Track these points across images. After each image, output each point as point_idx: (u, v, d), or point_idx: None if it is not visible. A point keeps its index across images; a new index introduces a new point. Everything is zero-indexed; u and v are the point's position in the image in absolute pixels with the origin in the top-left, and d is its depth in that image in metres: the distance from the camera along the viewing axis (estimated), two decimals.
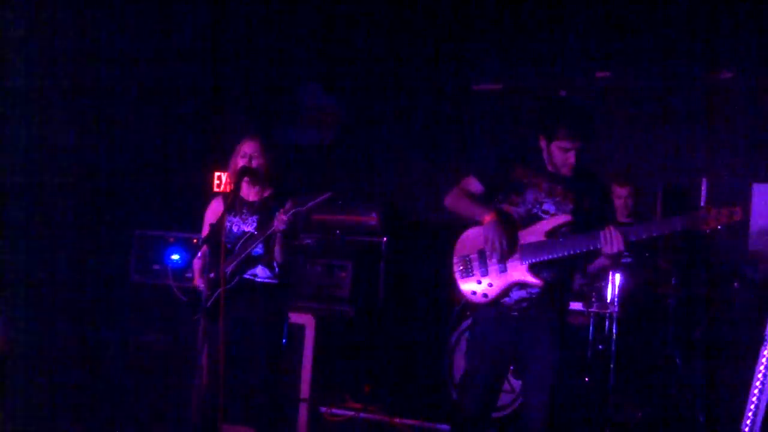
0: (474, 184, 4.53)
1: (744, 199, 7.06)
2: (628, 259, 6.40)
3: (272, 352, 5.21)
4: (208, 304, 4.97)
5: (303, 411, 6.28)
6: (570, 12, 7.42)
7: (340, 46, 8.22)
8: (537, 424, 4.32)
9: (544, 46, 7.67)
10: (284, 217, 4.83)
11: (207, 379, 5.07)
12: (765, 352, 5.05)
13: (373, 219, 7.13)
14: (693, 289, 6.66)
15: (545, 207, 4.37)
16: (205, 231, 5.34)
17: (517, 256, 4.34)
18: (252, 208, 5.25)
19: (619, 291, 6.15)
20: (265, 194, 5.29)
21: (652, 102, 7.51)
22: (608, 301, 6.16)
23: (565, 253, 4.24)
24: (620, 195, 6.57)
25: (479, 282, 4.41)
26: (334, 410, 6.47)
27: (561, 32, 7.52)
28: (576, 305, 6.35)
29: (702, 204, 6.97)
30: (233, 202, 5.14)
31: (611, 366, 6.12)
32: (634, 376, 6.26)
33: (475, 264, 4.44)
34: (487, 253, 4.38)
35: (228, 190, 5.45)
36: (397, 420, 6.32)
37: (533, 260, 4.30)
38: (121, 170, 7.42)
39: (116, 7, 7.15)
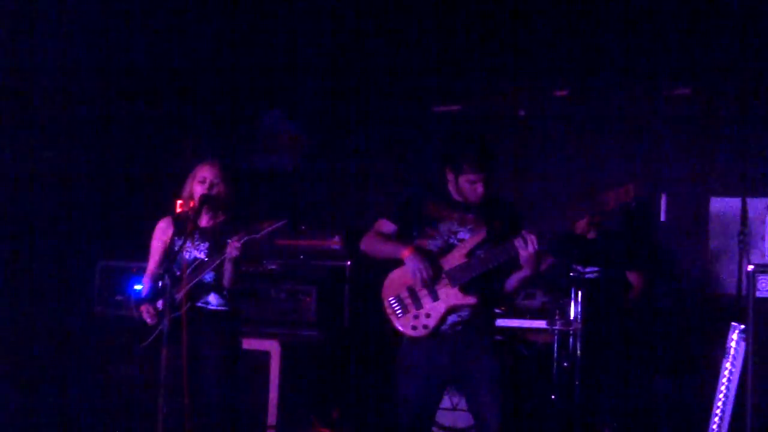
0: (386, 225, 4.67)
1: (702, 213, 7.16)
2: (593, 275, 6.45)
3: (225, 379, 5.16)
4: (157, 331, 4.92)
5: None
6: (528, 31, 7.48)
7: (302, 72, 8.23)
8: None
9: (503, 65, 7.73)
10: (237, 244, 4.86)
11: (167, 406, 5.02)
12: (727, 365, 5.10)
13: (336, 243, 7.12)
14: (656, 303, 6.72)
15: (460, 236, 4.52)
16: (153, 251, 5.30)
17: (445, 281, 4.46)
18: (204, 233, 5.22)
19: (582, 308, 6.19)
20: (219, 219, 5.28)
21: (610, 120, 7.58)
22: (572, 318, 6.20)
23: (488, 267, 4.39)
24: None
25: (416, 317, 4.48)
26: None
27: (519, 52, 7.58)
28: (539, 323, 6.40)
29: (662, 219, 7.07)
30: (191, 230, 5.09)
31: (576, 383, 6.15)
32: (599, 393, 6.29)
33: (407, 301, 4.51)
34: (417, 287, 4.49)
35: (176, 214, 5.40)
36: None
37: (462, 281, 4.43)
38: (81, 200, 7.37)
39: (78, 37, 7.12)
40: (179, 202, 7.70)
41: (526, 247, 4.28)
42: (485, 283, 4.48)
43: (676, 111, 7.42)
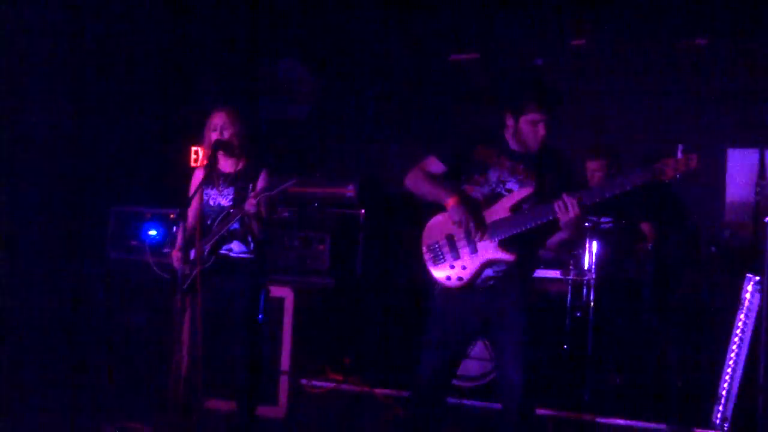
0: (435, 165, 4.51)
1: (720, 165, 7.13)
2: (608, 225, 6.44)
3: (249, 326, 5.24)
4: (188, 281, 4.98)
5: (284, 383, 6.28)
6: None
7: (317, 19, 8.18)
8: (516, 393, 4.30)
9: (520, 14, 7.66)
10: (254, 201, 4.96)
11: (187, 355, 5.09)
12: (741, 316, 5.11)
13: (350, 191, 7.11)
14: (670, 254, 6.70)
15: (508, 186, 4.39)
16: (192, 204, 5.36)
17: (485, 235, 4.34)
18: (228, 180, 5.29)
19: (596, 258, 6.18)
20: (240, 166, 5.32)
21: (627, 70, 7.52)
22: (585, 268, 6.19)
23: (529, 225, 4.25)
24: (593, 168, 6.55)
25: (452, 267, 4.40)
26: (314, 382, 6.47)
27: (536, 1, 7.51)
28: (554, 273, 6.39)
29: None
30: (209, 176, 5.20)
31: (589, 332, 6.16)
32: (612, 342, 6.30)
33: (445, 249, 4.43)
34: (456, 237, 4.40)
35: (205, 163, 5.47)
36: (377, 391, 6.34)
37: (502, 236, 4.31)
38: (97, 146, 7.37)
39: None
40: (193, 149, 7.75)
41: (566, 211, 4.14)
42: (525, 240, 4.33)
43: (694, 61, 7.34)
